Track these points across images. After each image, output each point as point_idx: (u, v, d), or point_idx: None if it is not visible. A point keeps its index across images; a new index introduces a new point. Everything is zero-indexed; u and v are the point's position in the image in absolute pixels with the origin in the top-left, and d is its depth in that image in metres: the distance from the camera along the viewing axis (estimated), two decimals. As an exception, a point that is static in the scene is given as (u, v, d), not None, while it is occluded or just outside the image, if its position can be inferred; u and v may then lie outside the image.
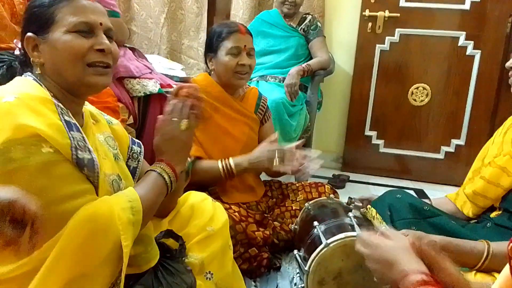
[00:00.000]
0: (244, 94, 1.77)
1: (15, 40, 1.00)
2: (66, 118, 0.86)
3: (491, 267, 1.09)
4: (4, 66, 1.64)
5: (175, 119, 0.99)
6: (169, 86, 2.05)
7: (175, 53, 3.11)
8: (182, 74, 2.47)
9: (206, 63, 1.72)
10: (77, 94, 0.94)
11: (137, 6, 3.08)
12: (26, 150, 0.76)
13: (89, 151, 0.86)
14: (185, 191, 1.39)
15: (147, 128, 1.95)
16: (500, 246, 1.11)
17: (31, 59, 0.91)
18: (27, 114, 0.78)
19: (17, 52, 0.98)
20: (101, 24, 0.92)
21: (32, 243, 0.68)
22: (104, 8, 0.98)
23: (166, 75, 2.22)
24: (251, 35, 1.68)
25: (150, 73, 2.02)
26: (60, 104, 0.87)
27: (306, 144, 2.70)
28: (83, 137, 0.87)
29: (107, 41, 0.92)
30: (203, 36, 3.05)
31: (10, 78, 1.60)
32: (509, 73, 1.31)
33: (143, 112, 1.97)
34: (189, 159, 1.08)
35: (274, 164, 1.52)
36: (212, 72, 1.69)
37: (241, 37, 1.62)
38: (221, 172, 1.54)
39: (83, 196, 0.82)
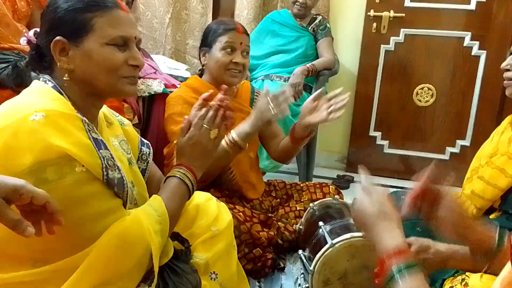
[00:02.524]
0: (237, 90, 1.75)
1: (24, 30, 0.98)
2: (94, 135, 0.86)
3: (497, 272, 1.08)
4: (10, 66, 1.64)
5: (206, 126, 1.00)
6: (174, 86, 2.05)
7: (179, 53, 3.12)
8: (187, 75, 2.47)
9: (199, 58, 1.69)
10: (100, 99, 0.94)
11: (142, 6, 3.09)
12: (60, 170, 0.76)
13: (118, 169, 0.87)
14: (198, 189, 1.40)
15: (151, 128, 1.95)
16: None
17: (57, 63, 0.88)
18: (55, 135, 0.77)
19: (23, 41, 0.95)
20: (135, 37, 0.92)
21: (52, 224, 0.70)
22: None
23: (171, 75, 2.22)
24: (248, 36, 1.66)
25: (155, 73, 2.02)
26: (86, 119, 0.86)
27: (311, 145, 2.70)
28: (111, 154, 0.87)
29: (140, 56, 0.92)
30: (207, 36, 3.05)
31: (16, 78, 1.62)
32: (503, 75, 1.30)
33: (147, 112, 1.97)
34: None
35: (273, 112, 1.45)
36: (204, 68, 1.67)
37: (238, 35, 1.60)
38: (226, 148, 1.44)
39: (114, 213, 0.83)
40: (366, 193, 0.86)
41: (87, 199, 0.79)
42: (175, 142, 1.07)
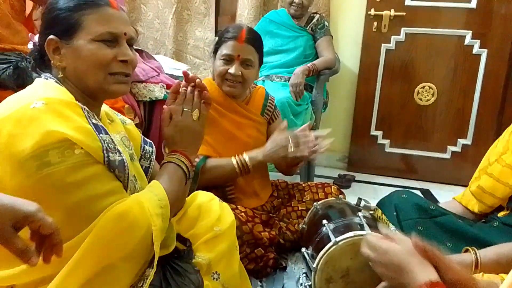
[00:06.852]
0: (250, 95, 1.72)
1: (30, 34, 1.01)
2: (94, 121, 0.87)
3: (486, 273, 1.08)
4: (11, 67, 1.65)
5: (187, 109, 1.01)
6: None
7: (181, 53, 3.12)
8: (188, 74, 2.47)
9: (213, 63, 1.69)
10: (96, 98, 0.95)
11: (144, 7, 3.09)
12: (62, 153, 0.78)
13: (119, 152, 0.88)
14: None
15: (153, 133, 1.95)
16: (488, 252, 1.10)
17: (51, 61, 0.91)
18: (55, 120, 0.79)
19: (30, 45, 0.98)
20: (125, 34, 0.93)
21: (51, 254, 0.70)
22: None
23: (171, 76, 2.22)
24: (252, 45, 1.58)
25: (158, 75, 2.01)
26: (86, 107, 0.88)
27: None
28: (111, 138, 0.89)
29: (130, 52, 0.93)
30: (209, 36, 3.06)
31: (17, 78, 1.63)
32: None
33: (149, 116, 1.97)
34: (197, 159, 1.08)
35: (289, 150, 1.48)
36: None
37: (237, 45, 1.55)
38: (235, 168, 1.49)
39: (115, 195, 0.85)
40: (391, 239, 0.88)
41: (88, 180, 0.81)
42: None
